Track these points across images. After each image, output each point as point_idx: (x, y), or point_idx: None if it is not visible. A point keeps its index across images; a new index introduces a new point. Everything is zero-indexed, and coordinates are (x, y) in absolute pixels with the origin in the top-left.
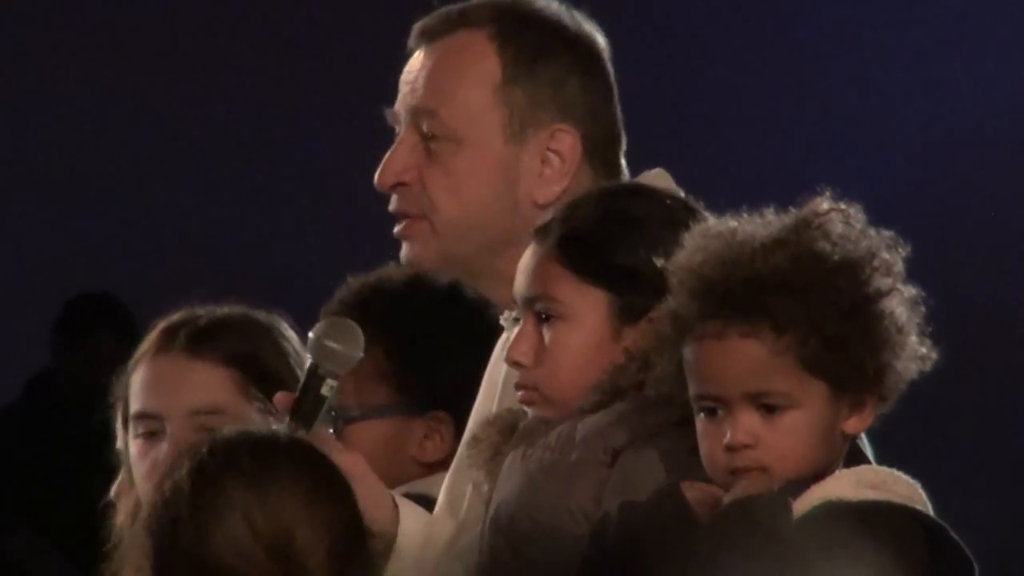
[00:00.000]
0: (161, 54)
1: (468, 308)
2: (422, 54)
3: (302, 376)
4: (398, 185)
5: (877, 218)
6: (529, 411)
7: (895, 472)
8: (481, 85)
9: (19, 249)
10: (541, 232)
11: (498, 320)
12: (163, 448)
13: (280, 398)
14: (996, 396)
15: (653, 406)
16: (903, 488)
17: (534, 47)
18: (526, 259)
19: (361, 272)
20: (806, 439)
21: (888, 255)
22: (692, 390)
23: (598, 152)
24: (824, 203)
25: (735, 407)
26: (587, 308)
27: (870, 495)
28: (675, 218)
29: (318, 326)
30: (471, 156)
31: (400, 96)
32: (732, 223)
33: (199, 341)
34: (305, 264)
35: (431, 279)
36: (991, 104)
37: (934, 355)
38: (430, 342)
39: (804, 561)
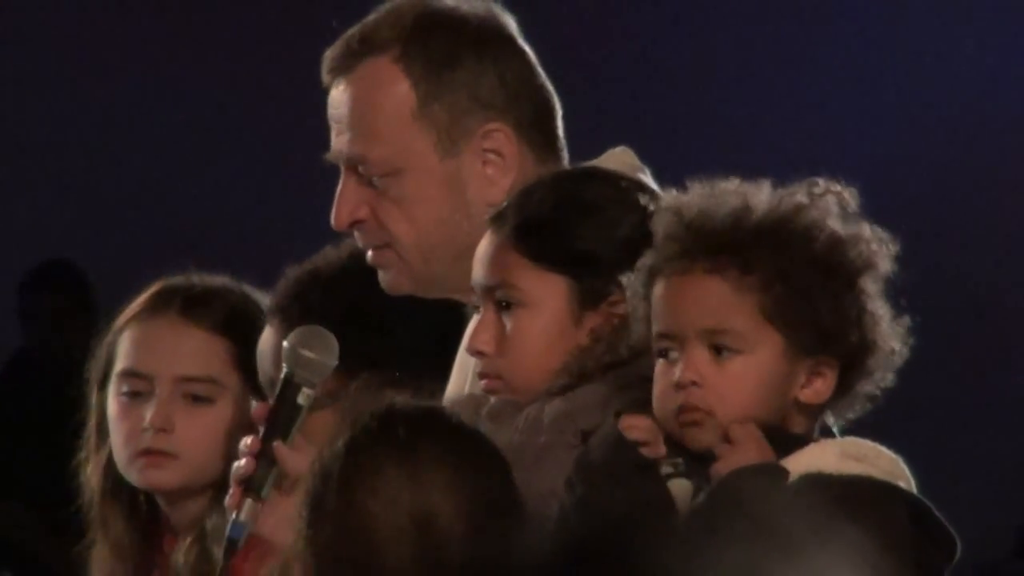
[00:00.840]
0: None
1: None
2: (338, 90)
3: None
4: (355, 223)
5: (871, 205)
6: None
7: (878, 446)
8: (399, 113)
9: None
10: (497, 220)
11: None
12: (148, 408)
13: (257, 409)
14: (984, 381)
15: (620, 388)
16: (885, 462)
17: (440, 57)
18: (483, 247)
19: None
20: (753, 388)
21: (875, 245)
22: (654, 330)
23: (534, 132)
24: (822, 183)
25: (689, 345)
26: (547, 294)
27: (853, 467)
28: (629, 199)
29: (292, 335)
30: (413, 182)
31: (332, 136)
32: (711, 185)
33: (194, 306)
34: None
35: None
36: (989, 90)
37: (904, 351)
38: (364, 319)
39: (787, 537)
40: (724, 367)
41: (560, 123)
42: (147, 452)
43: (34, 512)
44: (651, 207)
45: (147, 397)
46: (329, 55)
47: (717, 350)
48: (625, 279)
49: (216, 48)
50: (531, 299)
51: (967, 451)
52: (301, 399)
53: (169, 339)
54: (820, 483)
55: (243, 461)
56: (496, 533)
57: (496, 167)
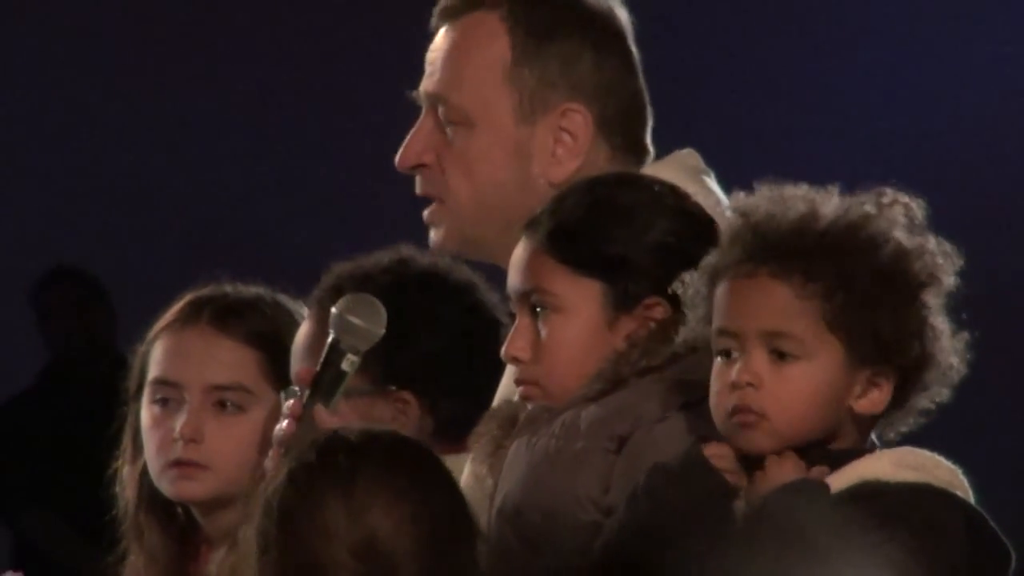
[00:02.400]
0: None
1: (444, 292)
2: (442, 34)
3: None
4: (418, 166)
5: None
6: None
7: (936, 456)
8: (491, 68)
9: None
10: (531, 226)
11: (484, 303)
12: (179, 418)
13: (301, 372)
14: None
15: (656, 393)
16: (944, 472)
17: (544, 26)
18: (518, 253)
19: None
20: (809, 396)
21: (940, 259)
22: (714, 327)
23: (615, 129)
24: (890, 193)
25: (749, 346)
26: (581, 299)
27: (910, 477)
28: (663, 204)
29: (341, 301)
30: (483, 139)
31: (424, 78)
32: (799, 191)
33: (226, 316)
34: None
35: (414, 265)
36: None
37: (962, 368)
38: (395, 321)
39: (842, 542)
40: (782, 371)
41: (648, 134)
42: (178, 463)
43: (68, 521)
44: (687, 210)
45: (178, 406)
46: (444, 2)
47: (777, 354)
48: (678, 280)
49: (233, 51)
50: (565, 304)
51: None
52: (346, 365)
53: (199, 348)
54: (876, 490)
55: (284, 423)
56: (445, 549)
57: (566, 148)
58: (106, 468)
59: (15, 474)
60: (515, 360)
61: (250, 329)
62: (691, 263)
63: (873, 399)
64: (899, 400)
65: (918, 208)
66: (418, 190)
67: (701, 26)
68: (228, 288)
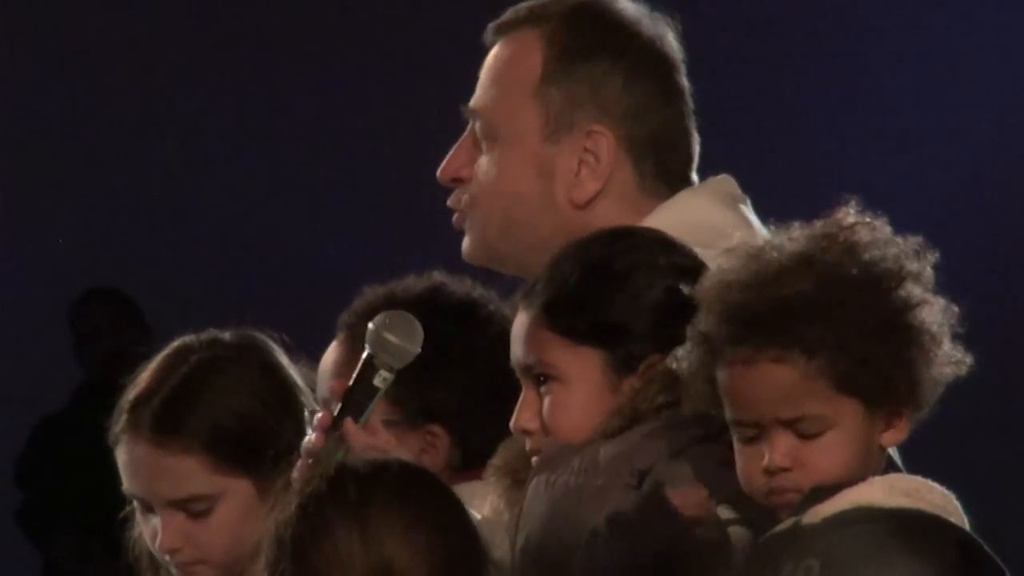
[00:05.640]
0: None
1: (477, 325)
2: (493, 49)
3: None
4: (456, 180)
5: (909, 222)
6: None
7: (929, 482)
8: (520, 84)
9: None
10: (527, 296)
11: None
12: (157, 521)
13: (335, 385)
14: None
15: (675, 427)
16: (937, 498)
17: (579, 46)
18: (517, 325)
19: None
20: (844, 457)
21: (916, 264)
22: (728, 415)
23: (644, 155)
24: (848, 216)
25: (771, 431)
26: (582, 369)
27: (904, 503)
28: (656, 263)
29: (378, 318)
30: (510, 154)
31: None
32: (757, 243)
33: (163, 429)
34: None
35: (447, 295)
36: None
37: (968, 359)
38: (428, 355)
39: (834, 567)
40: (812, 446)
41: (689, 165)
42: (175, 564)
43: (101, 544)
44: (680, 264)
45: (152, 507)
46: (500, 18)
47: (801, 435)
48: (671, 357)
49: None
50: (566, 375)
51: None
52: (378, 381)
53: (147, 465)
54: (869, 515)
55: (313, 435)
56: None
57: (589, 168)
58: None
59: (48, 496)
60: (524, 432)
61: (190, 434)
62: (688, 317)
63: (897, 430)
64: (918, 407)
65: (879, 222)
66: (450, 201)
67: (724, 52)
68: (171, 375)
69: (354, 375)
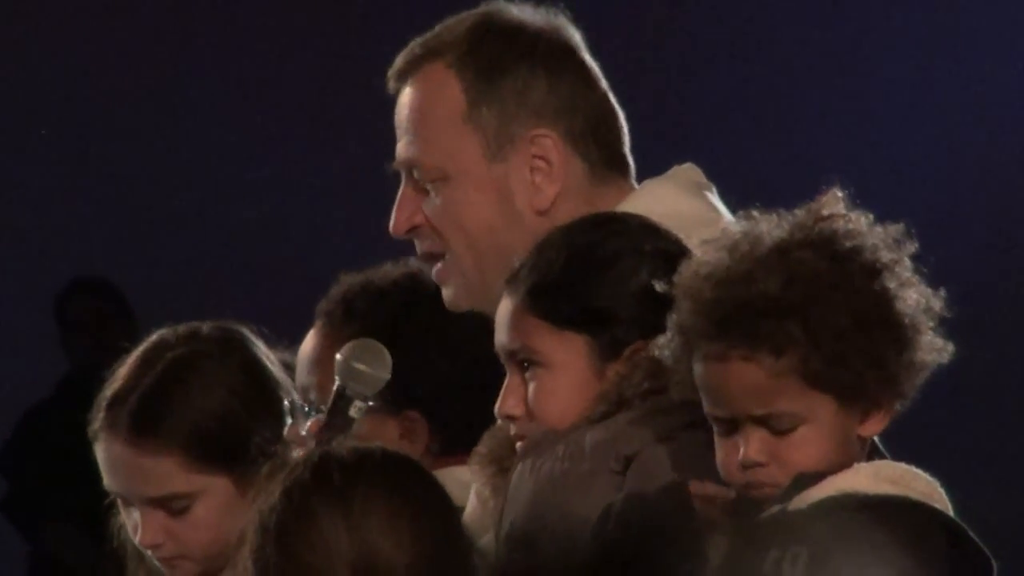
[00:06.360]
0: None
1: (457, 312)
2: (401, 96)
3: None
4: (412, 229)
5: (891, 212)
6: None
7: (914, 469)
8: (449, 117)
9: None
10: (512, 282)
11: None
12: (138, 516)
13: (311, 425)
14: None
15: (659, 413)
16: (922, 485)
17: (491, 62)
18: (502, 311)
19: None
20: (819, 451)
21: (893, 254)
22: (704, 407)
23: (588, 143)
24: (827, 206)
25: (744, 428)
26: (567, 354)
27: (888, 490)
28: (641, 248)
29: (345, 348)
30: (463, 188)
31: (397, 143)
32: (735, 234)
33: (140, 430)
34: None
35: (425, 281)
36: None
37: (951, 347)
38: (407, 341)
39: (820, 556)
40: (785, 441)
41: (625, 140)
42: (157, 558)
43: (87, 533)
44: (664, 250)
45: (132, 503)
46: (395, 63)
47: (773, 431)
48: (653, 346)
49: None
50: (551, 360)
51: (1004, 469)
52: (353, 412)
53: (125, 464)
54: (853, 504)
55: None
56: (444, 564)
57: (543, 174)
58: None
59: (34, 485)
60: (509, 418)
61: (166, 435)
62: (672, 302)
63: (875, 421)
64: (899, 396)
65: (857, 213)
66: (418, 251)
67: (707, 37)
68: (147, 373)
69: (328, 409)
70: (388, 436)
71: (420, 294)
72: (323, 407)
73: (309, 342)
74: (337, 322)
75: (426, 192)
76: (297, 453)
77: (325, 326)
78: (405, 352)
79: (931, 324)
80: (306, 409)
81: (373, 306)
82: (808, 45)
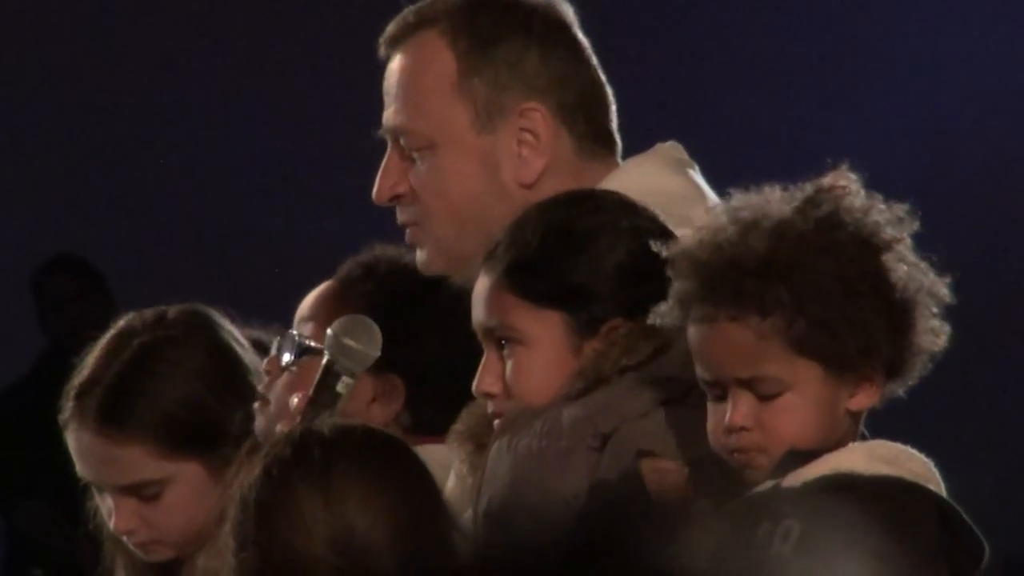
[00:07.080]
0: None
1: (450, 291)
2: (391, 63)
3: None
4: (395, 198)
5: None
6: None
7: (909, 449)
8: (439, 86)
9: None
10: (489, 259)
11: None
12: (111, 502)
13: (298, 402)
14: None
15: (636, 389)
16: (917, 465)
17: (484, 33)
18: (479, 288)
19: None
20: (804, 420)
21: (893, 231)
22: (696, 373)
23: (577, 118)
24: (831, 180)
25: (732, 391)
26: (544, 331)
27: (883, 470)
28: (618, 226)
29: (336, 323)
30: (449, 157)
31: (384, 112)
32: (739, 204)
33: (108, 420)
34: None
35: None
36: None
37: (946, 330)
38: (402, 310)
39: (811, 536)
40: (770, 408)
41: (613, 116)
42: (132, 543)
43: (64, 512)
44: (641, 227)
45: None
46: (387, 30)
47: (760, 395)
48: (652, 313)
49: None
50: (528, 337)
51: (997, 453)
52: (340, 387)
53: (95, 453)
54: (847, 483)
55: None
56: (422, 541)
57: (530, 147)
58: None
59: (10, 464)
60: (486, 395)
61: (135, 424)
62: (650, 279)
63: (866, 394)
64: (893, 375)
65: (858, 187)
66: (399, 219)
67: (702, 21)
68: (114, 361)
69: (315, 383)
70: (362, 397)
71: (413, 273)
72: (309, 342)
73: (318, 289)
74: (356, 284)
75: (412, 160)
76: (283, 426)
77: (338, 280)
78: (403, 323)
79: (934, 310)
80: (296, 338)
81: (402, 275)
82: (802, 34)
